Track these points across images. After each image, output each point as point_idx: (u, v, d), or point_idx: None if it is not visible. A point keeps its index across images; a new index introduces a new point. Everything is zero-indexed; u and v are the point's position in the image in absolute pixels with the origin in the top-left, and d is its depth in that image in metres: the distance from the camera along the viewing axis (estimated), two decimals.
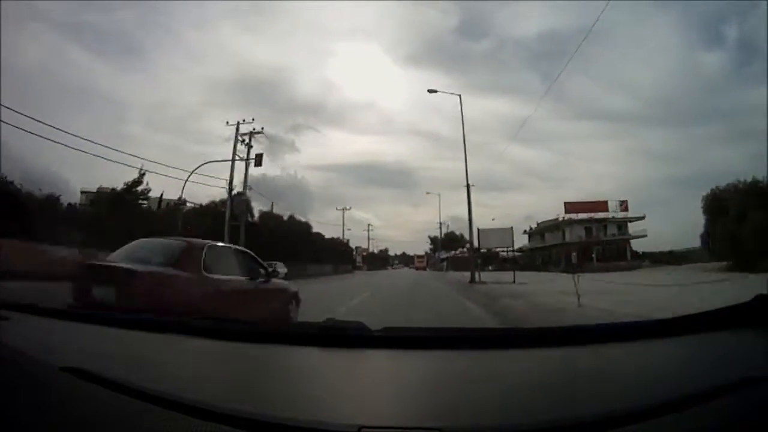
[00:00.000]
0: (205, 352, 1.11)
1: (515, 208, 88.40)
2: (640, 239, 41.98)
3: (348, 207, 57.55)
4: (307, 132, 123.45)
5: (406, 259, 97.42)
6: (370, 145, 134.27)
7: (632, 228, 42.18)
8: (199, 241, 4.63)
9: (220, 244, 5.10)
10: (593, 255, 39.46)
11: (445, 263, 56.22)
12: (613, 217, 41.47)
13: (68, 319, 1.37)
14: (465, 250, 64.06)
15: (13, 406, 0.74)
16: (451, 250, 60.15)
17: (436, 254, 68.88)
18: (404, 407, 0.75)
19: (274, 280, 5.41)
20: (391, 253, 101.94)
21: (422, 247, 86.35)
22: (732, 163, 56.40)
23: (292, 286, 6.08)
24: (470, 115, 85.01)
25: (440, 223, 58.38)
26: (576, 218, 41.55)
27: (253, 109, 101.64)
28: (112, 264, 3.88)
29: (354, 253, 57.84)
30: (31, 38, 33.65)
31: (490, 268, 41.55)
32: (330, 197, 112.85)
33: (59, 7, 34.40)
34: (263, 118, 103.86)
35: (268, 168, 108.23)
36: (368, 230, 68.95)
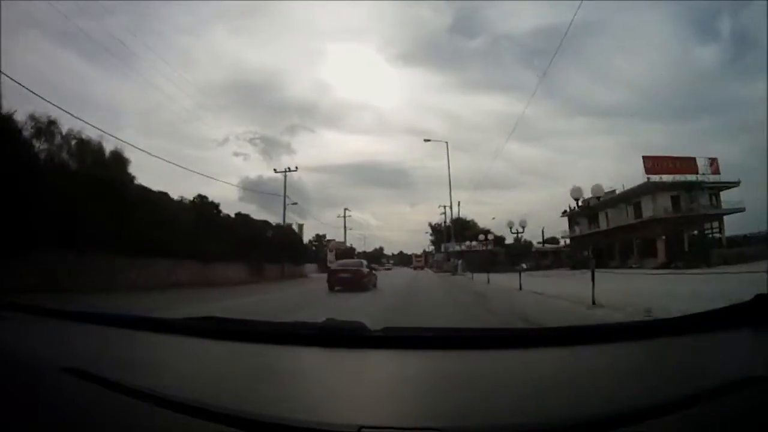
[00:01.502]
0: (205, 352, 1.12)
1: (517, 206, 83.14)
2: (732, 215, 28.87)
3: (293, 168, 33.63)
4: (302, 133, 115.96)
5: (404, 259, 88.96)
6: (366, 145, 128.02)
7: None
8: (361, 260, 17.37)
9: (365, 261, 17.25)
10: (685, 241, 26.14)
11: (459, 261, 37.14)
12: (703, 182, 28.10)
13: (69, 320, 1.39)
14: (474, 243, 42.92)
15: (13, 406, 0.75)
16: (459, 243, 42.44)
17: (442, 247, 47.96)
18: (404, 407, 0.76)
19: (373, 270, 16.44)
20: (388, 252, 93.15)
21: (420, 246, 75.80)
22: (729, 157, 49.80)
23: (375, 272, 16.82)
24: (466, 113, 75.79)
25: (449, 205, 40.93)
26: (659, 182, 28.09)
27: (248, 111, 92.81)
28: (349, 267, 14.54)
29: (321, 248, 41.23)
30: (24, 43, 30.70)
31: (524, 266, 24.21)
32: (327, 198, 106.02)
33: (51, 13, 30.24)
34: (259, 120, 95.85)
35: (263, 170, 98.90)
36: (344, 216, 49.29)
